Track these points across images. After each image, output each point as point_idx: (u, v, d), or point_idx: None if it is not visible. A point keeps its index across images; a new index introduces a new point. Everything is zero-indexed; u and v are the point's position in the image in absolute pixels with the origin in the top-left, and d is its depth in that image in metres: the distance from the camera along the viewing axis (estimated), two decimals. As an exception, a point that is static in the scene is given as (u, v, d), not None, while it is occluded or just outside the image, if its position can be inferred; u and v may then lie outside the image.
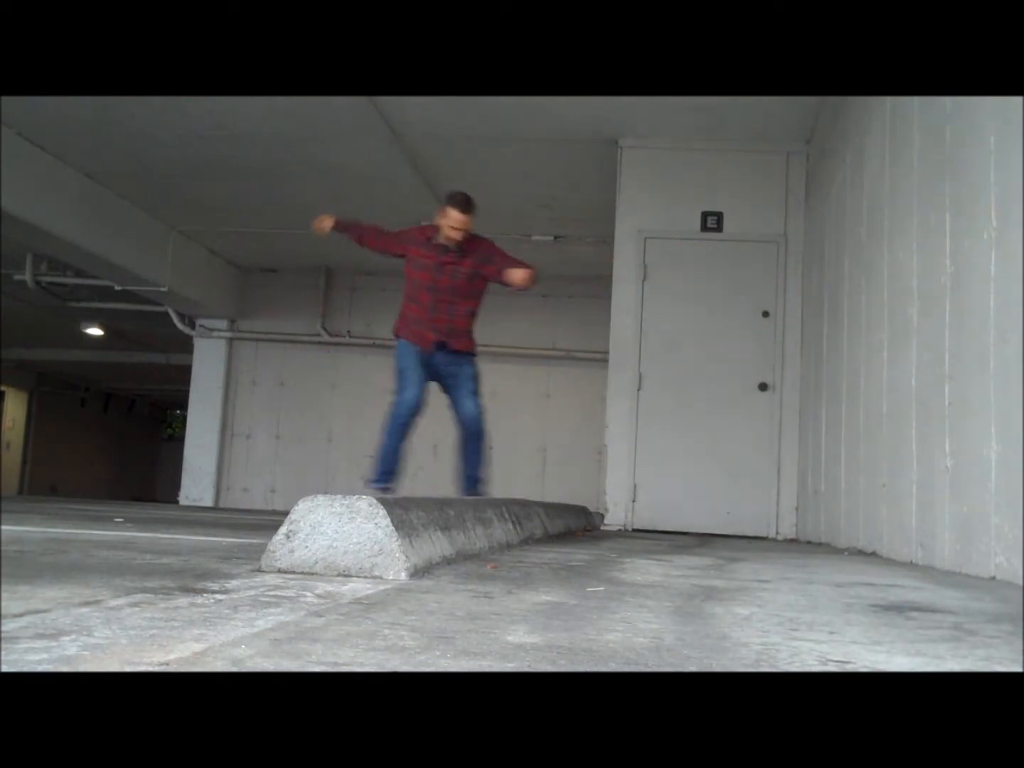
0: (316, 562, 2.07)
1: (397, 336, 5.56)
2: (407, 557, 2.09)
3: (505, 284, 5.46)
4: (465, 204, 5.24)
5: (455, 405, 5.50)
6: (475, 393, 5.51)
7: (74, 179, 8.23)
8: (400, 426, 5.40)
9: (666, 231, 7.06)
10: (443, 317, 5.44)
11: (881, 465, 4.28)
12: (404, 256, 5.57)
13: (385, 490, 5.23)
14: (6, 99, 6.39)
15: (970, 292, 3.13)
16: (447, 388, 5.53)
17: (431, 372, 5.48)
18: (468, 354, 5.54)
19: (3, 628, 1.19)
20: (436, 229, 5.38)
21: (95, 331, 13.59)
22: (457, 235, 5.28)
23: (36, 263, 10.27)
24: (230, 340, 11.51)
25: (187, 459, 11.38)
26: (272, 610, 1.48)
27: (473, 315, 5.57)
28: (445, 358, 5.44)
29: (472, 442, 5.50)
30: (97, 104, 6.82)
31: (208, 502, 11.15)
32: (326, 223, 5.63)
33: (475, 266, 5.43)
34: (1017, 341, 2.65)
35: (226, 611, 1.45)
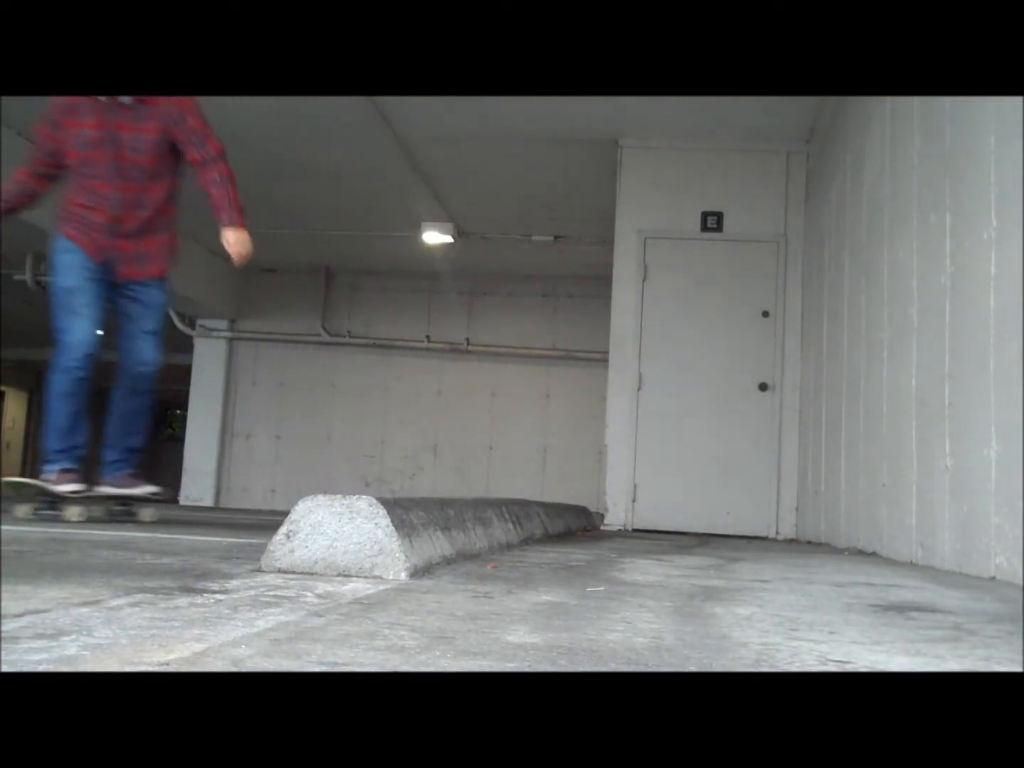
0: (316, 562, 2.07)
1: (59, 235, 3.90)
2: (407, 557, 2.09)
3: (207, 194, 3.92)
4: None
5: (123, 344, 3.99)
6: (155, 332, 3.99)
7: (74, 179, 8.23)
8: (72, 383, 3.81)
9: (666, 231, 7.07)
10: (128, 214, 3.88)
11: (881, 465, 4.28)
12: (63, 151, 3.98)
13: (63, 473, 3.88)
14: (6, 99, 6.38)
15: (970, 292, 3.13)
16: (119, 317, 4.02)
17: (107, 292, 3.93)
18: (156, 278, 3.99)
19: (3, 628, 1.19)
20: None
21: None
22: None
23: (36, 263, 10.27)
24: (230, 340, 11.52)
25: (187, 459, 11.41)
26: (272, 610, 1.48)
27: (168, 204, 4.02)
28: (126, 279, 3.94)
29: (135, 399, 4.08)
30: (97, 104, 6.81)
31: (208, 502, 11.17)
32: None
33: (163, 130, 3.86)
34: (1017, 341, 2.65)
35: (226, 611, 1.45)
